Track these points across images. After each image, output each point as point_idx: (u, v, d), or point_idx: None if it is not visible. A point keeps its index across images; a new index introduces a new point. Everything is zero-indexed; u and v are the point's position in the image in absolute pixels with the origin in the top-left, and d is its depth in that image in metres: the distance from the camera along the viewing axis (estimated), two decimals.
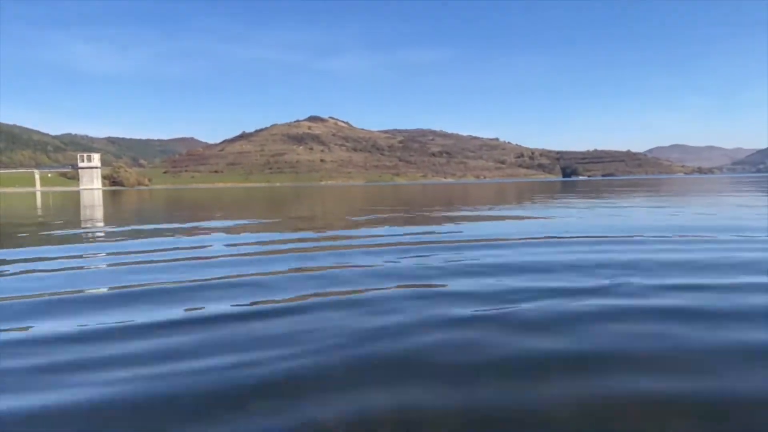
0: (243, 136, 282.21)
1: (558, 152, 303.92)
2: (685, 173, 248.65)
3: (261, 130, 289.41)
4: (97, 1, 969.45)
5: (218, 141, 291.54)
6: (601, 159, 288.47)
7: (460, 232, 7.12)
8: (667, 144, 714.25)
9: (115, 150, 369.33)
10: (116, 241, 6.88)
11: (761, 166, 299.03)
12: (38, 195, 46.57)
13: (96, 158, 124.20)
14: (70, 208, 18.60)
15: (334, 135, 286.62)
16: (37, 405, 1.78)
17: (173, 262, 4.76)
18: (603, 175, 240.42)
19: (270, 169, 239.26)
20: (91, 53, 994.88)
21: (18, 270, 4.55)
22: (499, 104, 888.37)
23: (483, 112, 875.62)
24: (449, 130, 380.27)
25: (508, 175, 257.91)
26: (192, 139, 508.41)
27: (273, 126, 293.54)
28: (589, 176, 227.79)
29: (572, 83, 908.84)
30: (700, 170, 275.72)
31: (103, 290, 3.67)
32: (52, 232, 8.49)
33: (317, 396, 1.78)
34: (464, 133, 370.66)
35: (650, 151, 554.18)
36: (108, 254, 5.50)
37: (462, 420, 1.61)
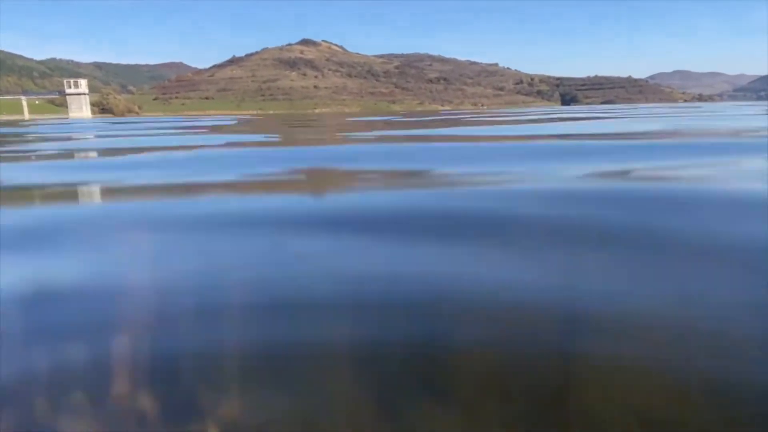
0: (233, 61, 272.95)
1: (558, 78, 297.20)
2: (685, 101, 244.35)
3: (251, 54, 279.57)
4: None
5: (208, 66, 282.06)
6: (602, 85, 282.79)
7: None
8: (669, 70, 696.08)
9: (103, 75, 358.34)
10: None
11: (762, 93, 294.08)
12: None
13: (83, 84, 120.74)
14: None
15: (327, 60, 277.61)
16: None
17: None
18: (603, 103, 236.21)
19: (262, 96, 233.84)
20: None
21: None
22: (498, 27, 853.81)
23: (482, 35, 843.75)
24: (447, 55, 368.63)
25: (506, 102, 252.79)
26: (181, 64, 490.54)
27: (264, 50, 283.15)
28: (588, 103, 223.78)
29: (575, 4, 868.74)
30: (700, 97, 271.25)
31: None
32: None
33: None
34: (462, 58, 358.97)
35: (652, 77, 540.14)
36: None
37: None
